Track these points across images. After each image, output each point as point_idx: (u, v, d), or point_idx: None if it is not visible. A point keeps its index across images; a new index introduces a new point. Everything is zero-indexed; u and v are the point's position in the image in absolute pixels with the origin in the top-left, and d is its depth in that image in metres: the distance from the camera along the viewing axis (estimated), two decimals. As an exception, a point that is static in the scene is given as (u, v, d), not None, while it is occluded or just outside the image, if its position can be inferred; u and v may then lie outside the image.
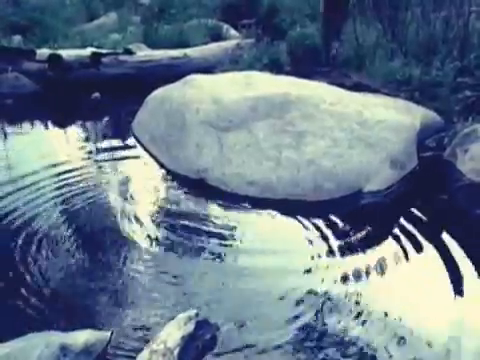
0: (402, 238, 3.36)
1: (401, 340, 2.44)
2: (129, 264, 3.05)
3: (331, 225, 3.54)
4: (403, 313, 2.63)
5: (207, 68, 6.52)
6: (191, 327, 2.24)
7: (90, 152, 4.97)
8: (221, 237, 3.39)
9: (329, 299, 2.74)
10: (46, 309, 2.66)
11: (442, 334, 2.51)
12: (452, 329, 2.55)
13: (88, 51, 6.86)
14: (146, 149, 4.90)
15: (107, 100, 6.37)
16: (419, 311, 2.68)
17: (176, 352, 2.12)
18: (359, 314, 2.61)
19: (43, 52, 6.73)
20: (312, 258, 3.15)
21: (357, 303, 2.71)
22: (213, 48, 7.73)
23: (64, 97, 6.19)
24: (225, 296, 2.76)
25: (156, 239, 3.34)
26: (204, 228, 3.49)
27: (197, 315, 2.30)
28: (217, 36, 8.77)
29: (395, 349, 2.38)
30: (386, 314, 2.61)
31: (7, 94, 6.35)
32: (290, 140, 4.25)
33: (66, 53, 6.73)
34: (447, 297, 2.80)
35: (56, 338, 2.28)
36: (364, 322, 2.56)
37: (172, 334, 2.18)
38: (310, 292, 2.80)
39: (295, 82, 5.16)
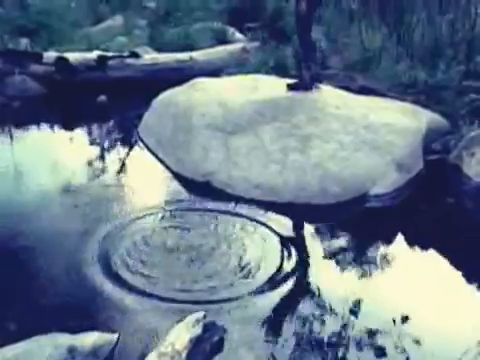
0: (407, 241, 3.37)
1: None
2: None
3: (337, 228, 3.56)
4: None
5: (213, 71, 6.52)
6: (199, 330, 2.25)
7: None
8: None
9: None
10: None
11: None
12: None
13: (94, 54, 6.87)
14: (152, 152, 4.91)
15: (113, 103, 6.38)
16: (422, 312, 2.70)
17: (184, 354, 2.13)
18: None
19: (50, 55, 6.74)
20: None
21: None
22: (219, 51, 7.73)
23: (70, 100, 6.21)
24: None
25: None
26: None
27: (205, 317, 2.31)
28: (223, 39, 8.77)
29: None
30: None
31: (14, 96, 6.37)
32: (296, 143, 4.25)
33: (73, 56, 6.74)
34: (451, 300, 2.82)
35: (64, 340, 2.30)
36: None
37: (180, 336, 2.19)
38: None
39: (301, 85, 5.16)
